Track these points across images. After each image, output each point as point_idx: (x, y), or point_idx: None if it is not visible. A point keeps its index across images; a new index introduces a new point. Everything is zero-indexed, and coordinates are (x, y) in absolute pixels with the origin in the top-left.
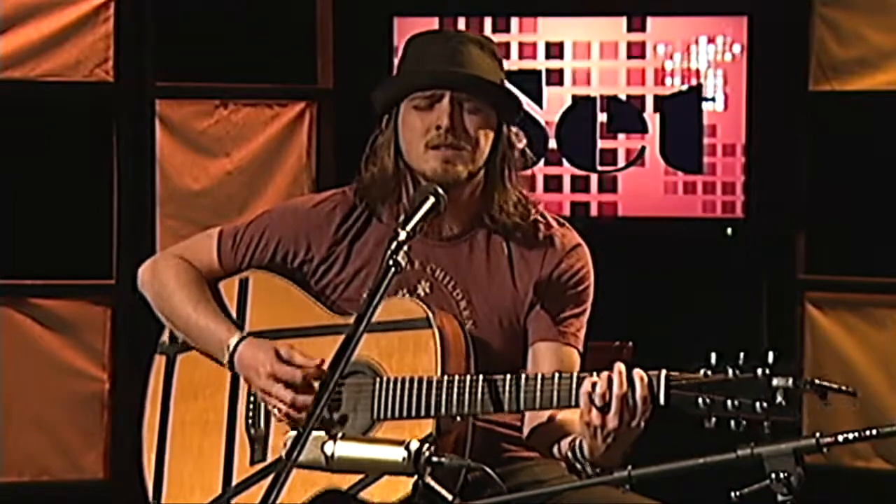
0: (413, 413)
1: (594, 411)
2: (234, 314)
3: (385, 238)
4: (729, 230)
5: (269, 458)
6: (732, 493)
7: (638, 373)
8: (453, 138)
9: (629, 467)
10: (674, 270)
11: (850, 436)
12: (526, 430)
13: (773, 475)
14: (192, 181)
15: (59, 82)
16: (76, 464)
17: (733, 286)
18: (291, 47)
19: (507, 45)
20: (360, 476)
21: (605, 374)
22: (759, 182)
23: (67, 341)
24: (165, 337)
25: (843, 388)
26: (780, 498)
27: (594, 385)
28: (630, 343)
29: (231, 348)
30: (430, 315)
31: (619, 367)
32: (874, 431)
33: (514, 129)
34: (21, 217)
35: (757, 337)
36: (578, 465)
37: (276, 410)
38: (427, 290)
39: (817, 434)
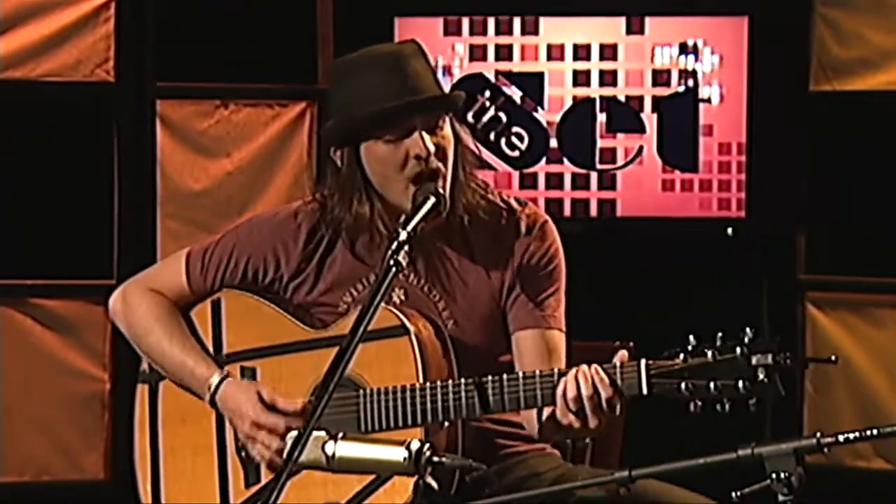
0: (400, 423)
1: (570, 415)
2: (209, 337)
3: (357, 248)
4: (729, 230)
5: (264, 480)
6: (732, 493)
7: (597, 374)
8: (434, 163)
9: (629, 467)
10: (674, 270)
11: (851, 436)
12: (535, 427)
13: (774, 475)
14: (192, 181)
15: (60, 82)
16: (76, 464)
17: (733, 286)
18: (291, 47)
19: (510, 46)
20: (356, 490)
21: (572, 375)
22: (760, 182)
23: (67, 341)
24: (145, 365)
25: (823, 357)
26: (780, 498)
27: (565, 391)
28: (630, 343)
29: (213, 388)
30: (405, 321)
31: (582, 368)
32: (875, 431)
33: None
34: (21, 217)
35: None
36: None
37: (261, 455)
38: (402, 297)
39: (818, 434)
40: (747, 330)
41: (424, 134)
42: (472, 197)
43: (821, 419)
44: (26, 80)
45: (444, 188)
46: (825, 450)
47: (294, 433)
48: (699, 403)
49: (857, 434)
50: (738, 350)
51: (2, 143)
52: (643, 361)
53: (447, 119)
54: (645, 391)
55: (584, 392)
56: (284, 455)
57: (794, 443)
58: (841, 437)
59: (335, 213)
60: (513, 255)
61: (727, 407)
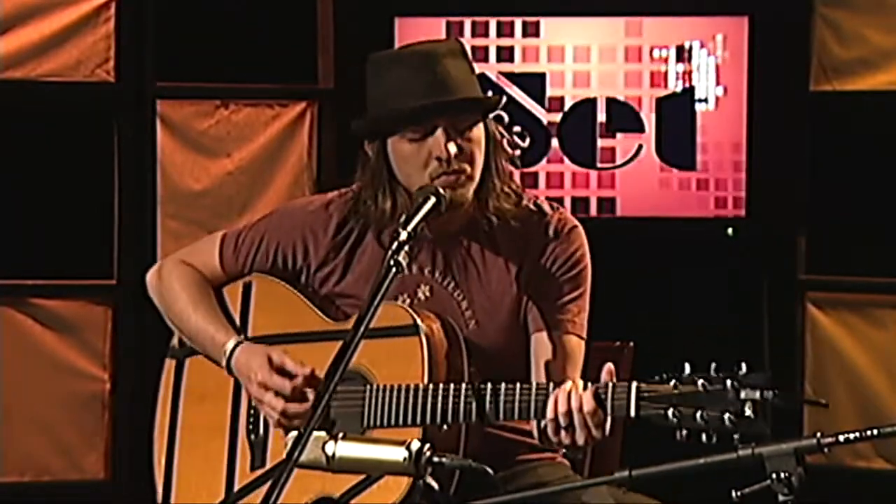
0: (401, 422)
1: (560, 430)
2: (237, 319)
3: (384, 241)
4: (729, 230)
5: (269, 464)
6: (733, 493)
7: (586, 393)
8: (456, 164)
9: (629, 467)
10: (674, 270)
11: (851, 436)
12: (536, 434)
13: (774, 475)
14: (192, 181)
15: (60, 82)
16: (77, 464)
17: (733, 286)
18: (292, 47)
19: (511, 48)
20: (352, 483)
21: (563, 391)
22: (760, 182)
23: (68, 341)
24: (175, 341)
25: (814, 399)
26: (780, 498)
27: (555, 406)
28: (630, 343)
29: (228, 353)
30: (418, 321)
31: (576, 383)
32: (875, 431)
33: (509, 130)
34: (22, 217)
35: (757, 337)
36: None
37: (270, 417)
38: (427, 294)
39: (818, 434)
40: (743, 364)
41: (447, 136)
42: (502, 202)
43: (821, 419)
44: (26, 80)
45: (467, 190)
46: (825, 450)
47: (294, 433)
48: (685, 432)
49: (857, 434)
50: (729, 382)
51: (2, 143)
52: (634, 384)
53: (480, 122)
54: (633, 414)
55: (574, 408)
56: (285, 454)
57: (794, 443)
58: (841, 437)
59: (365, 204)
60: (537, 257)
61: (713, 439)
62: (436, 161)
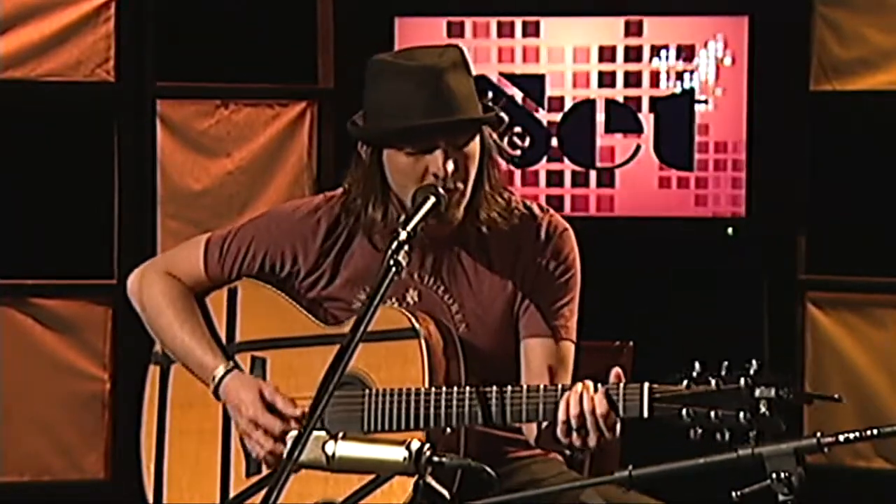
0: (403, 426)
1: (570, 432)
2: (223, 324)
3: (378, 244)
4: (729, 230)
5: (265, 471)
6: (733, 493)
7: (599, 395)
8: (451, 182)
9: (629, 467)
10: (674, 270)
11: (851, 436)
12: (533, 435)
13: (774, 475)
14: (192, 181)
15: (60, 82)
16: (77, 464)
17: (733, 286)
18: (292, 47)
19: (512, 49)
20: (355, 487)
21: (575, 393)
22: (760, 182)
23: (68, 341)
24: (158, 347)
25: (827, 395)
26: (780, 498)
27: (567, 408)
28: (630, 343)
29: (217, 379)
30: (416, 325)
31: (587, 385)
32: (875, 431)
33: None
34: (22, 217)
35: (757, 337)
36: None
37: (255, 452)
38: (416, 298)
39: (818, 434)
40: (753, 362)
41: (445, 154)
42: (493, 210)
43: (821, 419)
44: (26, 80)
45: (460, 208)
46: (825, 450)
47: (294, 432)
48: (699, 431)
49: (857, 434)
50: (742, 381)
51: (2, 143)
52: (646, 385)
53: (477, 136)
54: (646, 414)
55: (587, 410)
56: (284, 454)
57: (794, 443)
58: (841, 437)
59: (356, 203)
60: (529, 261)
61: (727, 436)
62: (432, 177)
